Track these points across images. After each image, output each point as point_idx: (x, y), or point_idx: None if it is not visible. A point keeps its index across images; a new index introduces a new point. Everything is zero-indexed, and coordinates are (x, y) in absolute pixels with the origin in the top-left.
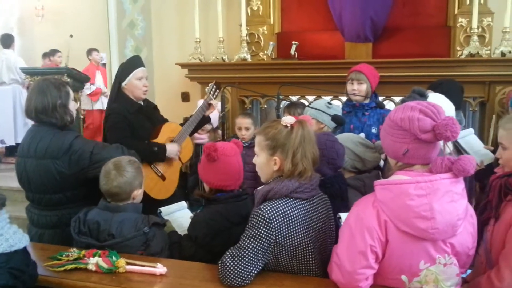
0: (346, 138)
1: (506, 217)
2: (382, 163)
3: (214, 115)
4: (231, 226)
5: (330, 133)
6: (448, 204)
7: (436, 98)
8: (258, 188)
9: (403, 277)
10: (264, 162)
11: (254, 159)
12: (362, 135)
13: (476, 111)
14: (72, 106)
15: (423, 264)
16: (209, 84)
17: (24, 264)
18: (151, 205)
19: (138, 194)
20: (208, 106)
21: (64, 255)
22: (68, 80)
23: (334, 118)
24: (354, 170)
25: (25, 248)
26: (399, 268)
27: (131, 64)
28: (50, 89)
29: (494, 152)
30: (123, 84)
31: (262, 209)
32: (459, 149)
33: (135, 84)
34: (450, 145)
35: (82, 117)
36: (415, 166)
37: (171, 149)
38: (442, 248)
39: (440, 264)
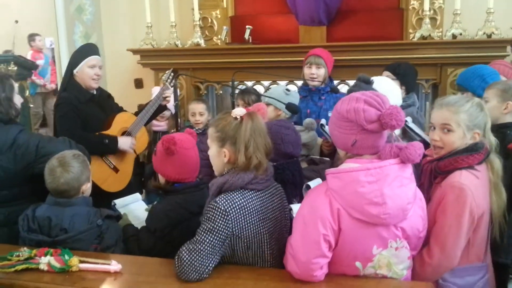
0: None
1: (435, 198)
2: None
3: (172, 101)
4: (190, 216)
5: (282, 120)
6: (398, 188)
7: (382, 82)
8: (213, 180)
9: (357, 263)
10: (215, 154)
11: (208, 151)
12: (323, 121)
13: (429, 93)
14: (17, 99)
15: (376, 249)
16: (166, 72)
17: None
18: (104, 197)
19: (87, 188)
20: (164, 97)
21: (14, 255)
22: (15, 67)
23: (288, 107)
24: (302, 159)
25: None
26: (353, 254)
27: (85, 51)
28: None
29: None
30: (74, 71)
31: (218, 201)
32: (406, 133)
33: (86, 72)
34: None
35: (31, 105)
36: (364, 156)
37: (124, 141)
38: (394, 233)
39: (392, 248)
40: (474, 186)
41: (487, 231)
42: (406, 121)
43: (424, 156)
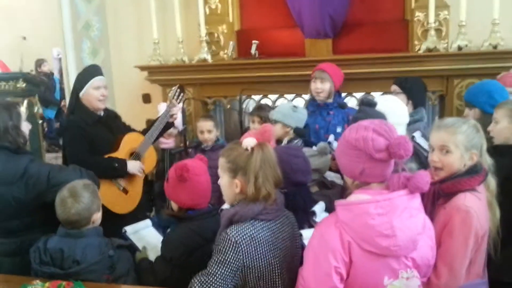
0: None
1: (439, 219)
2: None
3: (179, 119)
4: (205, 243)
5: (292, 147)
6: (408, 220)
7: (385, 102)
8: (224, 209)
9: None
10: (227, 185)
11: (219, 180)
12: (332, 138)
13: (436, 105)
14: (25, 126)
15: (387, 280)
16: (172, 88)
17: None
18: (114, 219)
19: (97, 217)
20: (171, 114)
21: None
22: (24, 84)
23: (296, 131)
24: (313, 183)
25: None
26: (365, 285)
27: (88, 73)
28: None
29: None
30: (80, 94)
31: (229, 233)
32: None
33: (92, 94)
34: None
35: (40, 121)
36: (372, 184)
37: (133, 165)
38: (404, 263)
39: (403, 278)
40: (477, 208)
41: (486, 249)
42: (413, 136)
43: None
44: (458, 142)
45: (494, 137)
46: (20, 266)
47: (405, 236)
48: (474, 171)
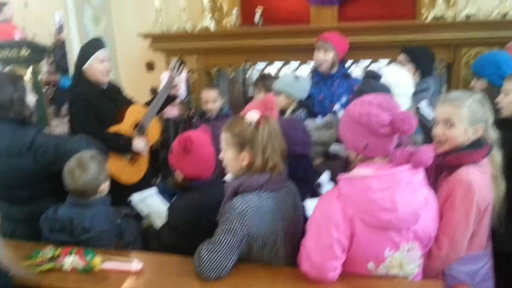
0: None
1: (442, 192)
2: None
3: (182, 89)
4: (209, 212)
5: (292, 119)
6: (410, 194)
7: (390, 74)
8: (227, 183)
9: (370, 265)
10: (233, 159)
11: (221, 154)
12: (337, 107)
13: (443, 74)
14: (30, 99)
15: (388, 251)
16: (172, 61)
17: None
18: (121, 189)
19: (104, 187)
20: (173, 86)
21: (39, 255)
22: (28, 52)
23: (301, 104)
24: (319, 156)
25: None
26: (366, 257)
27: (91, 46)
28: (4, 84)
29: None
30: (83, 67)
31: (234, 203)
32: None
33: (96, 68)
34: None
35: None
36: (375, 159)
37: (138, 145)
38: (406, 235)
39: (404, 250)
40: (480, 181)
41: (489, 221)
42: (418, 107)
43: None
44: (462, 116)
45: (502, 108)
46: (32, 232)
47: (406, 210)
48: (477, 144)
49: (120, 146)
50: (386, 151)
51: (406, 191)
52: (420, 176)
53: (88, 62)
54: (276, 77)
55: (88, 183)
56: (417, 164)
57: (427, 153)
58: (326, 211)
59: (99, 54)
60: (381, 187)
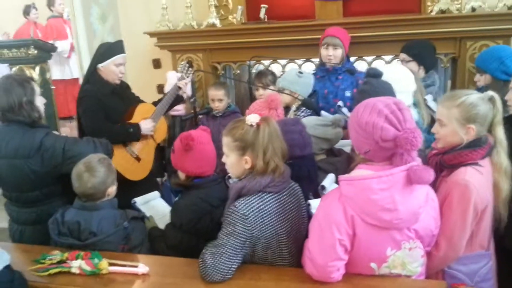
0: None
1: (441, 192)
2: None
3: (188, 86)
4: (212, 209)
5: (292, 119)
6: (410, 194)
7: (391, 73)
8: (231, 183)
9: (372, 264)
10: (235, 163)
11: (224, 158)
12: (341, 102)
13: (448, 67)
14: (39, 101)
15: (390, 251)
16: (181, 63)
17: (8, 281)
18: (127, 189)
19: (112, 190)
20: (179, 88)
21: (47, 258)
22: (35, 51)
23: (304, 103)
24: (322, 152)
25: (6, 266)
26: (368, 256)
27: (114, 49)
28: (14, 87)
29: None
30: (99, 65)
31: (237, 205)
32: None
33: (112, 70)
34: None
35: (53, 87)
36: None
37: (146, 126)
38: (407, 235)
39: (405, 249)
40: (478, 182)
41: (490, 221)
42: (425, 99)
43: (431, 149)
44: (451, 116)
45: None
46: (40, 233)
47: (406, 210)
48: (476, 144)
49: (130, 134)
50: (386, 158)
51: (406, 191)
52: None
53: (106, 62)
54: (271, 72)
55: (96, 186)
56: (416, 181)
57: (428, 172)
58: (328, 212)
59: (118, 58)
60: (381, 187)
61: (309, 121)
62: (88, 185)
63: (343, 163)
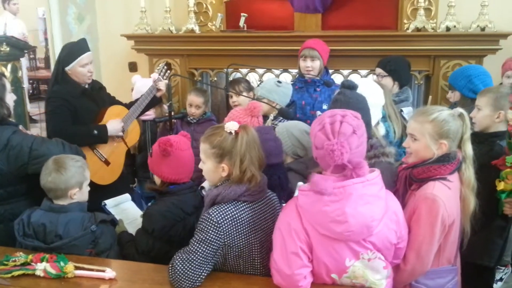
0: (293, 125)
1: (410, 206)
2: None
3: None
4: (185, 216)
5: (265, 127)
6: (362, 207)
7: (366, 86)
8: (207, 190)
9: (333, 275)
10: (212, 170)
11: (200, 165)
12: (319, 113)
13: (421, 84)
14: (9, 98)
15: (348, 261)
16: (159, 65)
17: None
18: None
19: (74, 193)
20: (157, 90)
21: (11, 260)
22: (8, 48)
23: (281, 112)
24: (295, 157)
25: None
26: (327, 266)
27: (76, 49)
28: None
29: None
30: (66, 68)
31: (211, 213)
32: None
33: (79, 71)
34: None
35: (24, 86)
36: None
37: (113, 127)
38: (364, 245)
39: (364, 260)
40: (446, 197)
41: (457, 236)
42: (401, 110)
43: (401, 163)
44: (424, 131)
45: (475, 123)
46: (4, 233)
47: (357, 222)
48: (445, 159)
49: (95, 136)
50: (335, 168)
51: (358, 203)
52: (375, 188)
53: (71, 65)
54: (246, 80)
55: (57, 183)
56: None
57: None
58: (287, 221)
59: (83, 58)
60: (332, 199)
61: (301, 126)
62: (48, 178)
63: (314, 161)
